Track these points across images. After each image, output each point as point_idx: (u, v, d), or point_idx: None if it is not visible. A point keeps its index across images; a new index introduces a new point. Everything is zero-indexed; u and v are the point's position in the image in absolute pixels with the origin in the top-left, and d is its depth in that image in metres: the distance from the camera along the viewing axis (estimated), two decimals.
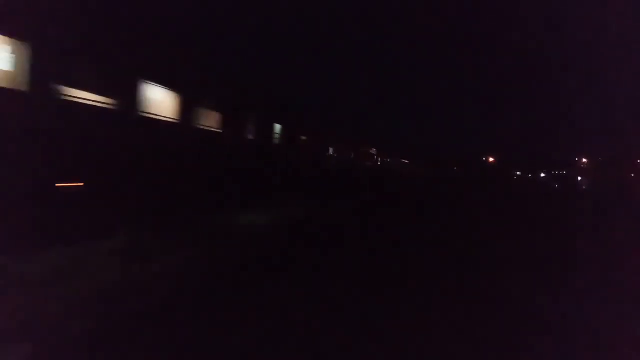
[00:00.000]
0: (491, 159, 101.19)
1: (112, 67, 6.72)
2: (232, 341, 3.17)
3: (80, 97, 5.99)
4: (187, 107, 8.41)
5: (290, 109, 15.69)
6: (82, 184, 6.13)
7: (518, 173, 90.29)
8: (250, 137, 11.68)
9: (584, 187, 55.22)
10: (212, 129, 9.62)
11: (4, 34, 4.80)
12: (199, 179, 8.62)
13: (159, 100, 7.82)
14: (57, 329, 3.17)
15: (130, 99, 7.12)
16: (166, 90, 8.00)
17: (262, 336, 3.27)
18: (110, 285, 4.23)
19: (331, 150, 22.85)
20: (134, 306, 3.77)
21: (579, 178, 62.48)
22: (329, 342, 3.23)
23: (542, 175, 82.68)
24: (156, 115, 7.66)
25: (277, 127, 13.87)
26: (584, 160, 62.48)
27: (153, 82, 7.61)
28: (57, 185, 5.60)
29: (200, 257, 5.64)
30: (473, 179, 62.51)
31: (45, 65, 5.26)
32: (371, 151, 34.25)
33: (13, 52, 4.95)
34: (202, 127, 9.10)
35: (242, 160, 10.84)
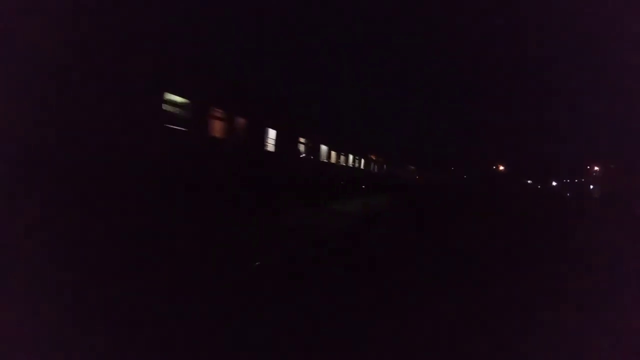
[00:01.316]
0: (501, 167, 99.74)
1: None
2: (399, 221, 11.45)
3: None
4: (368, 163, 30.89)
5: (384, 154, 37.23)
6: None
7: (529, 181, 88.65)
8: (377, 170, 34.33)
9: (596, 196, 53.84)
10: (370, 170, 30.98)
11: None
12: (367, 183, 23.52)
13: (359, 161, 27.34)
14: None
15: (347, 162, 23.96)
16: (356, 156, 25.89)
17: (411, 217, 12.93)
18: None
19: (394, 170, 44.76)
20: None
21: (591, 186, 60.86)
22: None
23: (554, 183, 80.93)
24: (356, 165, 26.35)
25: (384, 166, 37.75)
26: (596, 168, 60.86)
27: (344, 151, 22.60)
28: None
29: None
30: (484, 186, 62.37)
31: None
32: (410, 168, 57.38)
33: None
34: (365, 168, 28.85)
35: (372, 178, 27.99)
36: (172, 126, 7.81)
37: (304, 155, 15.88)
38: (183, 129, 8.06)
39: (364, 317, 3.63)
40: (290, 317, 3.47)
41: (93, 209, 5.61)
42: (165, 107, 7.68)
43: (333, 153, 20.09)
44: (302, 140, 15.77)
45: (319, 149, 17.87)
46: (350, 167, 24.11)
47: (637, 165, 46.12)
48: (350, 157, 24.08)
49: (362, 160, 27.75)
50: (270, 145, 12.80)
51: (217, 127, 9.63)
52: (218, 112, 9.50)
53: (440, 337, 3.29)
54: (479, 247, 7.82)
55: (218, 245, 5.69)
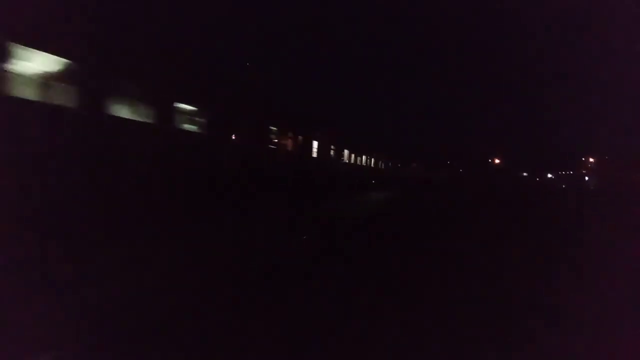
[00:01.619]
0: (497, 161, 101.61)
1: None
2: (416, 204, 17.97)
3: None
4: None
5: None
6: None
7: (525, 174, 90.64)
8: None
9: (591, 187, 55.37)
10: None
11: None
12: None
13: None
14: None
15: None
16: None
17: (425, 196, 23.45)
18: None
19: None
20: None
21: (587, 178, 62.66)
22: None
23: (549, 175, 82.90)
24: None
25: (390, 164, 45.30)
26: (591, 159, 62.63)
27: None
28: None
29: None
30: (480, 179, 63.91)
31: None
32: (413, 165, 65.89)
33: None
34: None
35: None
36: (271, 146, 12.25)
37: (333, 158, 19.41)
38: (275, 147, 12.42)
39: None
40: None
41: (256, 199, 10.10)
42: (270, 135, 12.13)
43: (352, 155, 23.95)
44: (332, 147, 18.89)
45: (342, 152, 21.12)
46: (364, 166, 28.24)
47: (633, 157, 47.71)
48: (364, 157, 27.91)
49: (373, 160, 31.91)
50: (314, 153, 16.17)
51: (289, 144, 13.41)
52: (290, 134, 13.48)
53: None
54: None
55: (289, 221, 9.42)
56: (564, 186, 62.26)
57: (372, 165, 31.11)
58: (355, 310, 3.92)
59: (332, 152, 18.91)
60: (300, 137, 14.23)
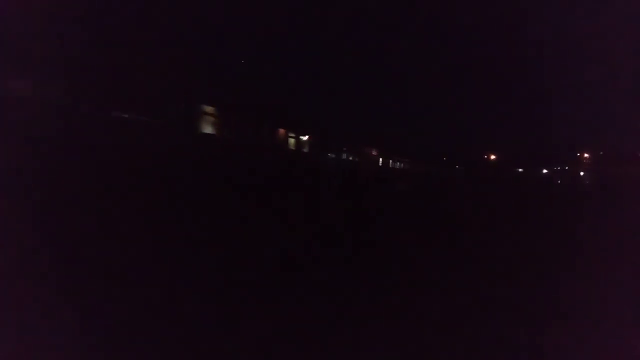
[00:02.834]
0: (492, 157, 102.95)
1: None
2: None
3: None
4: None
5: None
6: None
7: (520, 170, 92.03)
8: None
9: (587, 182, 56.43)
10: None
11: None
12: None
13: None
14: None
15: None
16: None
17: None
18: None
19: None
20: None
21: (582, 173, 63.94)
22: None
23: (545, 171, 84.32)
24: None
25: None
26: (586, 155, 64.00)
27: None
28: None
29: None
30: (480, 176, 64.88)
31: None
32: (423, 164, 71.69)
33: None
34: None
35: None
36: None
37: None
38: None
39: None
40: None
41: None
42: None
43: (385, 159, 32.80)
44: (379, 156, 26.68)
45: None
46: (391, 167, 37.60)
47: (626, 153, 48.93)
48: (393, 161, 39.61)
49: (397, 162, 43.91)
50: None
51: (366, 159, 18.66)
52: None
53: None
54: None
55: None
56: (559, 181, 63.51)
57: (392, 165, 41.40)
58: None
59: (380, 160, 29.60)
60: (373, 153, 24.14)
